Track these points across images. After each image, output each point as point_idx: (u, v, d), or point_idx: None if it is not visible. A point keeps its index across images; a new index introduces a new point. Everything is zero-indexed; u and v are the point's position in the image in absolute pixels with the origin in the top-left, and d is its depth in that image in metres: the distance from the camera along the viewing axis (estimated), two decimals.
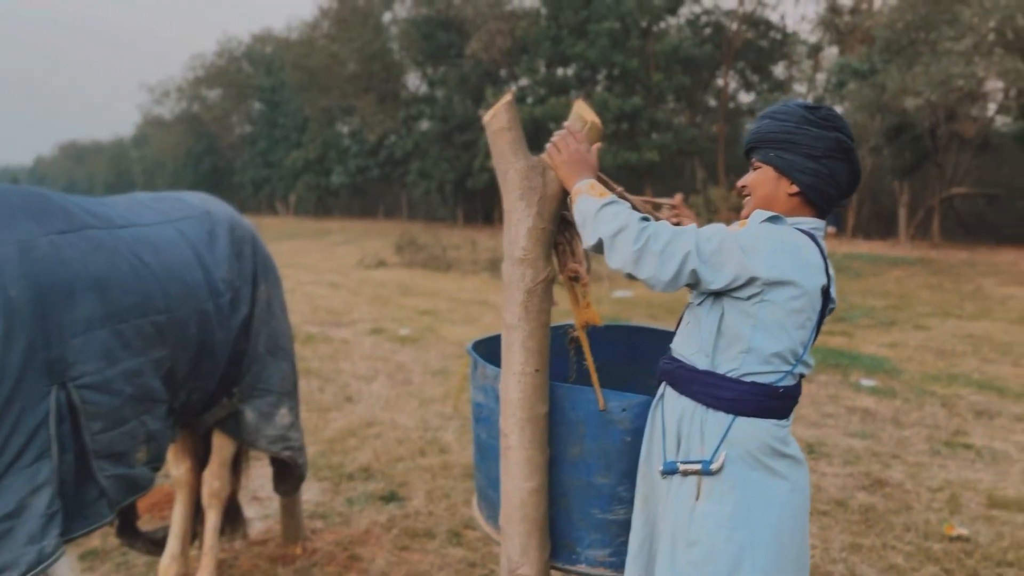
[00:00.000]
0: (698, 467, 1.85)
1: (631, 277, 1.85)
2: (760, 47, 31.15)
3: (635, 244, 1.81)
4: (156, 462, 2.69)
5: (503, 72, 32.28)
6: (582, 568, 2.23)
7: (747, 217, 1.94)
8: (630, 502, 2.17)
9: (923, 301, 12.72)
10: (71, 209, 2.54)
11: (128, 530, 3.45)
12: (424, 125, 35.66)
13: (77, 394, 2.33)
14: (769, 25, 31.10)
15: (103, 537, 4.06)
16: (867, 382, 7.32)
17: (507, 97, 2.08)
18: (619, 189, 2.13)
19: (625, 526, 2.19)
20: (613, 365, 2.79)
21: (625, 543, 2.18)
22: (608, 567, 2.20)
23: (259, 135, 49.80)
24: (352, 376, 7.78)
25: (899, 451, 5.39)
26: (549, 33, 28.75)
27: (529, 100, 29.23)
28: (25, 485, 2.18)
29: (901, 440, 5.64)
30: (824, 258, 1.86)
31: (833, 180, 1.91)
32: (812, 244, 1.84)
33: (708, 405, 1.86)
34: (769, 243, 1.78)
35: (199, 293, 2.83)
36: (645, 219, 1.87)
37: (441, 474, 5.01)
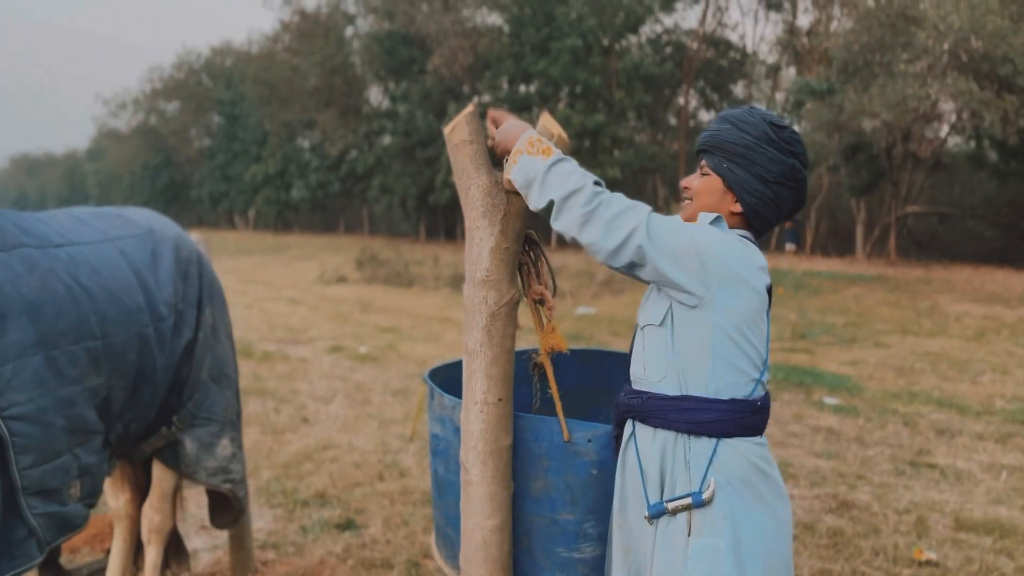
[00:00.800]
0: (688, 501, 1.73)
1: (574, 242, 1.75)
2: (720, 66, 31.61)
3: (585, 207, 1.71)
4: (91, 498, 2.49)
5: (466, 88, 32.24)
6: None
7: (687, 220, 1.86)
8: (597, 539, 2.04)
9: (882, 318, 12.86)
10: (3, 225, 2.35)
11: (51, 566, 3.20)
12: (386, 140, 35.45)
13: (5, 426, 2.14)
14: (729, 45, 31.59)
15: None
16: (830, 400, 7.30)
17: (469, 108, 1.96)
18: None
19: (593, 565, 2.05)
20: (579, 390, 2.67)
21: None
22: None
23: (218, 149, 49.10)
24: (309, 396, 7.56)
25: (864, 471, 5.35)
26: (511, 50, 28.82)
27: None
28: None
29: (866, 460, 5.60)
30: (764, 260, 1.81)
31: (776, 206, 1.84)
32: (754, 247, 1.79)
33: (690, 432, 1.74)
34: (719, 242, 1.71)
35: (140, 317, 2.64)
36: (599, 183, 1.77)
37: (400, 499, 4.83)
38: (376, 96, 38.39)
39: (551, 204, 1.76)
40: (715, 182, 1.84)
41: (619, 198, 1.74)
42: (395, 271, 20.56)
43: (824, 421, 6.62)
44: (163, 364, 2.78)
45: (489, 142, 1.95)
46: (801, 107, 21.14)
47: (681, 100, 31.86)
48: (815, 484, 5.08)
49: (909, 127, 18.85)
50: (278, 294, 17.36)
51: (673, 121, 33.17)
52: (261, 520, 4.49)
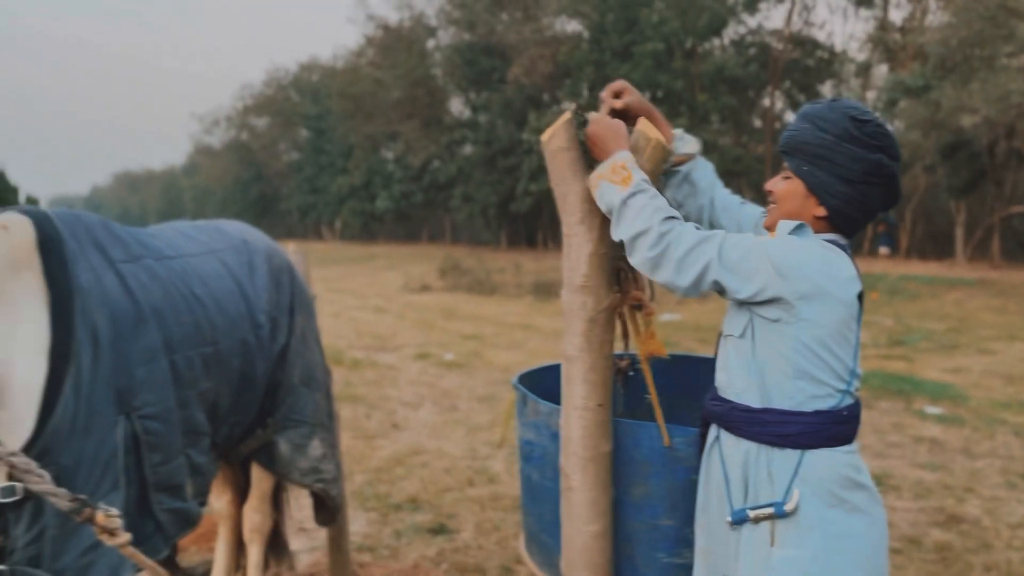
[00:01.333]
0: (771, 511, 1.69)
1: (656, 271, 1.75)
2: (807, 66, 30.76)
3: (651, 251, 1.70)
4: (201, 496, 2.60)
5: (546, 96, 32.35)
6: None
7: (770, 227, 1.81)
8: None
9: (986, 324, 12.24)
10: (125, 238, 2.49)
11: (168, 565, 3.36)
12: (467, 150, 35.90)
13: (140, 424, 2.26)
14: (816, 44, 30.71)
15: None
16: (932, 409, 6.99)
17: (566, 116, 1.97)
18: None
19: (692, 571, 2.03)
20: (662, 396, 2.65)
21: None
22: None
23: (305, 162, 50.67)
24: (399, 402, 7.70)
25: (973, 484, 5.10)
26: (592, 56, 28.77)
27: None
28: None
29: (974, 472, 5.34)
30: (855, 266, 1.73)
31: (864, 205, 1.75)
32: (842, 254, 1.71)
33: (773, 444, 1.70)
34: (799, 254, 1.65)
35: (242, 325, 2.76)
36: (671, 218, 1.74)
37: (490, 505, 4.87)
38: (457, 106, 38.95)
39: (622, 243, 1.78)
40: (797, 186, 1.78)
41: (688, 233, 1.70)
42: (477, 279, 20.76)
43: (927, 431, 6.34)
44: (261, 369, 2.89)
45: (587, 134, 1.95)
46: (895, 105, 20.39)
47: (767, 102, 31.15)
48: (920, 496, 4.87)
49: (1013, 123, 17.92)
50: (364, 303, 17.76)
51: (758, 123, 32.45)
52: (356, 523, 4.59)
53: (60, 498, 1.82)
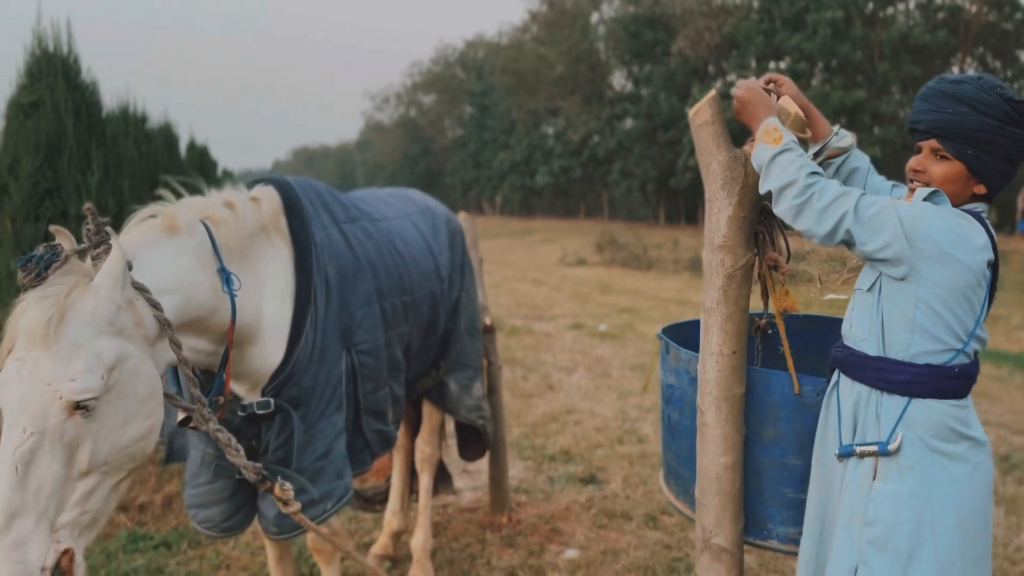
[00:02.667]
0: (874, 448, 1.87)
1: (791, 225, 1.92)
2: (1004, 30, 28.17)
3: (796, 199, 1.86)
4: (398, 423, 3.09)
5: (711, 68, 31.59)
6: (773, 544, 2.30)
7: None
8: None
9: None
10: (345, 202, 3.00)
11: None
12: (628, 124, 35.72)
13: (357, 358, 2.74)
14: (1015, 5, 28.03)
15: None
16: None
17: (711, 93, 2.20)
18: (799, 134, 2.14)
19: None
20: (801, 353, 2.81)
21: None
22: (798, 544, 2.25)
23: (469, 138, 52.17)
24: (553, 367, 8.10)
25: None
26: (761, 27, 27.77)
27: None
28: (331, 431, 2.61)
29: None
30: (990, 234, 1.82)
31: (1011, 177, 1.88)
32: (976, 223, 1.82)
33: (883, 389, 1.88)
34: (929, 218, 1.77)
35: (431, 278, 3.24)
36: (815, 173, 1.89)
37: (639, 462, 5.15)
38: (619, 80, 38.76)
39: (769, 195, 1.95)
40: (958, 168, 1.85)
41: (831, 187, 1.86)
42: (634, 254, 20.85)
43: None
44: (442, 318, 3.36)
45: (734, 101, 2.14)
46: None
47: (956, 70, 28.87)
48: None
49: None
50: (523, 275, 18.35)
51: None
52: (514, 470, 5.01)
53: (248, 470, 2.22)
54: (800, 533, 2.19)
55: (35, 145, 4.30)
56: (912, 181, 1.94)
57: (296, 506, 2.30)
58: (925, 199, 1.85)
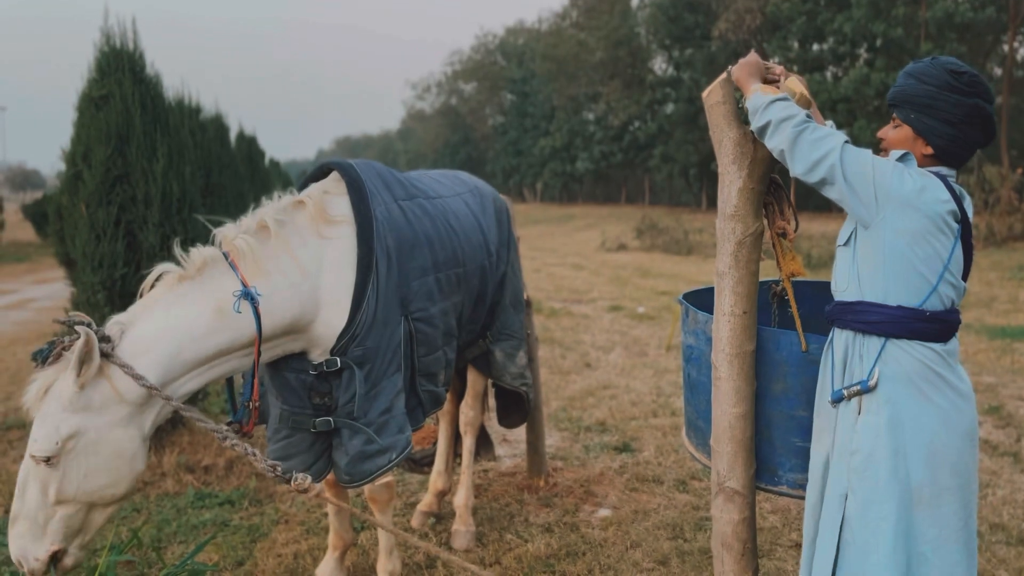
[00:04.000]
0: (858, 387, 2.10)
1: (781, 154, 2.16)
2: None
3: (796, 127, 2.11)
4: (447, 385, 3.37)
5: (753, 51, 31.29)
6: (783, 489, 2.52)
7: None
8: None
9: None
10: (403, 181, 3.29)
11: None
12: (669, 108, 35.56)
13: (413, 325, 3.03)
14: None
15: None
16: None
17: (723, 76, 2.41)
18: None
19: None
20: (812, 318, 3.01)
21: None
22: (806, 489, 2.47)
23: (510, 125, 52.34)
24: (591, 346, 8.32)
25: None
26: (804, 8, 27.43)
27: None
28: (393, 389, 2.91)
29: None
30: (952, 191, 2.04)
31: (967, 142, 2.09)
32: (938, 181, 2.04)
33: (863, 332, 2.11)
34: (895, 170, 2.02)
35: (480, 252, 3.51)
36: (809, 117, 2.16)
37: (671, 433, 5.37)
38: (660, 65, 38.56)
39: (766, 126, 2.19)
40: (905, 131, 2.15)
41: (824, 127, 2.13)
42: (674, 239, 20.89)
43: None
44: (490, 290, 3.64)
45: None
46: None
47: (1005, 48, 28.18)
48: None
49: None
50: (563, 260, 18.55)
51: (997, 71, 29.46)
52: (551, 439, 5.27)
53: (257, 460, 2.52)
54: (807, 479, 2.41)
55: (106, 135, 4.65)
56: (881, 149, 2.23)
57: (316, 489, 2.59)
58: (898, 159, 2.10)
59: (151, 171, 4.75)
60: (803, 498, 2.52)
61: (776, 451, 2.51)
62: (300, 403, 2.85)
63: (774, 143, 2.18)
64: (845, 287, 2.18)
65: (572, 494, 4.37)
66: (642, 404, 6.07)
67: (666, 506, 4.17)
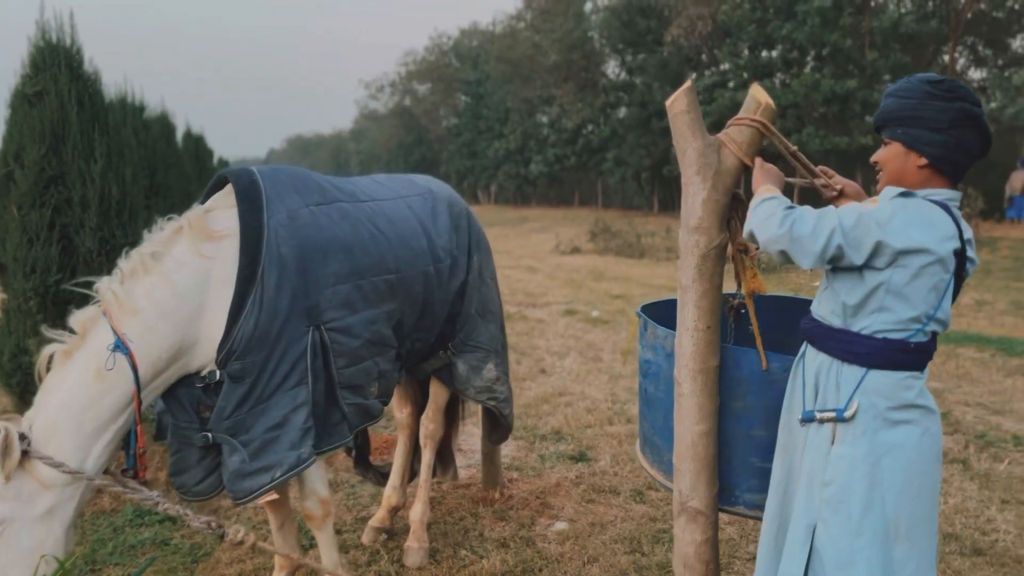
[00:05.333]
0: (833, 415, 2.05)
1: (783, 255, 2.06)
2: (995, 19, 28.30)
3: (781, 228, 2.02)
4: (385, 397, 3.23)
5: (704, 57, 31.67)
6: (740, 510, 2.47)
7: (880, 191, 2.12)
8: None
9: None
10: (324, 186, 3.14)
11: (363, 463, 4.09)
12: (622, 112, 35.79)
13: (327, 335, 2.89)
14: None
15: (335, 472, 4.76)
16: None
17: (687, 84, 2.35)
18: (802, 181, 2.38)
19: None
20: (772, 332, 2.97)
21: None
22: (763, 510, 2.42)
23: (464, 127, 52.12)
24: (546, 351, 8.26)
25: None
26: (754, 16, 27.83)
27: (731, 84, 28.54)
28: (289, 404, 2.78)
29: None
30: (957, 225, 1.98)
31: (961, 148, 2.04)
32: (943, 213, 1.98)
33: (843, 359, 2.05)
34: (902, 216, 1.95)
35: (424, 258, 3.36)
36: (790, 207, 2.08)
37: (627, 441, 5.31)
38: (613, 69, 38.78)
39: (751, 235, 2.13)
40: (896, 148, 2.10)
41: (808, 212, 2.03)
42: (627, 242, 20.98)
43: None
44: (440, 298, 3.49)
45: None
46: None
47: (946, 58, 28.99)
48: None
49: None
50: (517, 262, 18.48)
51: None
52: (506, 449, 5.17)
53: (191, 519, 2.59)
54: (766, 500, 2.36)
55: (40, 134, 4.41)
56: (877, 173, 2.17)
57: (251, 540, 2.66)
58: (894, 198, 2.01)
59: (88, 172, 4.53)
60: (760, 519, 2.48)
61: (734, 470, 2.46)
62: (188, 418, 2.79)
63: (767, 245, 2.10)
64: (828, 312, 2.12)
65: (528, 506, 4.28)
66: (597, 411, 6.02)
67: (623, 518, 4.11)
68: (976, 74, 30.38)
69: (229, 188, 2.91)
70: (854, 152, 26.13)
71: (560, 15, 36.73)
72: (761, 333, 2.45)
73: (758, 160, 2.33)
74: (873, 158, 2.18)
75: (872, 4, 27.43)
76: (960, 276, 2.03)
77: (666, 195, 36.32)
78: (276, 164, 3.55)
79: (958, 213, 2.04)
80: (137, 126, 8.16)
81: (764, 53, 29.69)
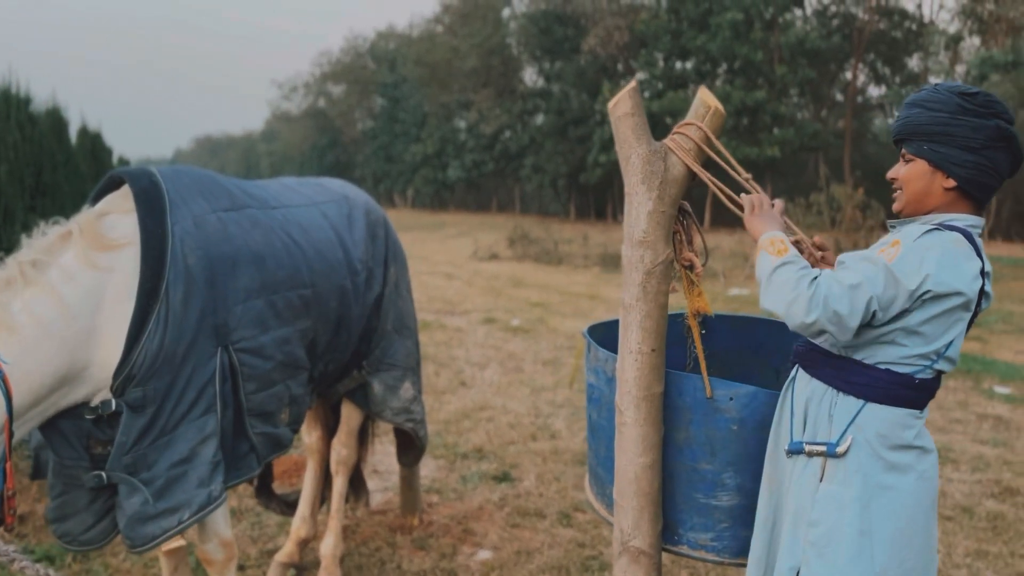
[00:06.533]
0: (823, 448, 1.85)
1: (820, 333, 1.83)
2: (893, 38, 29.67)
3: (811, 315, 1.74)
4: (296, 424, 2.92)
5: (620, 66, 32.06)
6: (683, 549, 2.27)
7: (897, 211, 1.91)
8: (735, 489, 2.18)
9: None
10: (232, 190, 2.80)
11: (265, 491, 3.73)
12: (539, 119, 35.89)
13: (236, 357, 2.57)
14: (904, 14, 29.57)
15: (239, 498, 4.38)
16: (1001, 389, 6.92)
17: (632, 84, 2.15)
18: (798, 236, 2.13)
19: (729, 512, 2.20)
20: (729, 354, 2.81)
21: (728, 529, 2.21)
22: (709, 551, 2.23)
23: (380, 130, 51.36)
24: (466, 362, 8.00)
25: None
26: (669, 27, 28.34)
27: (647, 94, 28.94)
28: (196, 435, 2.44)
29: None
30: (981, 257, 1.80)
31: (994, 170, 1.83)
32: (969, 248, 1.78)
33: (839, 389, 1.86)
34: (931, 259, 1.74)
35: (340, 271, 3.05)
36: (814, 280, 1.78)
37: (552, 458, 5.11)
38: (531, 76, 38.86)
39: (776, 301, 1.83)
40: (921, 166, 1.86)
41: (834, 284, 1.75)
42: (545, 249, 20.92)
43: (993, 409, 6.31)
44: (357, 313, 3.19)
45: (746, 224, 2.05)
46: (984, 81, 19.58)
47: (849, 75, 30.19)
48: (977, 470, 4.91)
49: None
50: (435, 268, 18.15)
51: (840, 97, 31.52)
52: (425, 469, 4.89)
53: None
54: (711, 540, 2.18)
55: None
56: (894, 191, 1.95)
57: None
58: (919, 238, 1.80)
59: None
60: (704, 560, 2.29)
61: (677, 507, 2.26)
62: (74, 454, 2.40)
63: (797, 327, 1.81)
64: (825, 338, 1.92)
65: (449, 533, 4.01)
66: (520, 427, 5.80)
67: (550, 544, 3.89)
68: (876, 91, 31.77)
69: (126, 190, 2.53)
70: (764, 163, 26.86)
71: (478, 20, 36.59)
72: (718, 354, 2.27)
73: (748, 197, 2.06)
74: (891, 174, 1.94)
75: (780, 20, 28.32)
76: (976, 312, 1.84)
77: (583, 202, 36.60)
78: (183, 165, 3.19)
79: (980, 243, 1.84)
80: (22, 120, 7.53)
81: (679, 64, 30.27)
